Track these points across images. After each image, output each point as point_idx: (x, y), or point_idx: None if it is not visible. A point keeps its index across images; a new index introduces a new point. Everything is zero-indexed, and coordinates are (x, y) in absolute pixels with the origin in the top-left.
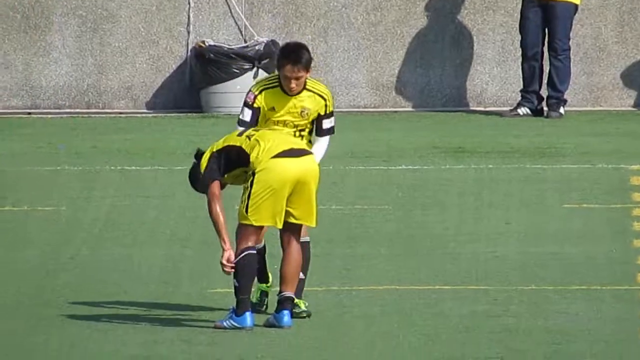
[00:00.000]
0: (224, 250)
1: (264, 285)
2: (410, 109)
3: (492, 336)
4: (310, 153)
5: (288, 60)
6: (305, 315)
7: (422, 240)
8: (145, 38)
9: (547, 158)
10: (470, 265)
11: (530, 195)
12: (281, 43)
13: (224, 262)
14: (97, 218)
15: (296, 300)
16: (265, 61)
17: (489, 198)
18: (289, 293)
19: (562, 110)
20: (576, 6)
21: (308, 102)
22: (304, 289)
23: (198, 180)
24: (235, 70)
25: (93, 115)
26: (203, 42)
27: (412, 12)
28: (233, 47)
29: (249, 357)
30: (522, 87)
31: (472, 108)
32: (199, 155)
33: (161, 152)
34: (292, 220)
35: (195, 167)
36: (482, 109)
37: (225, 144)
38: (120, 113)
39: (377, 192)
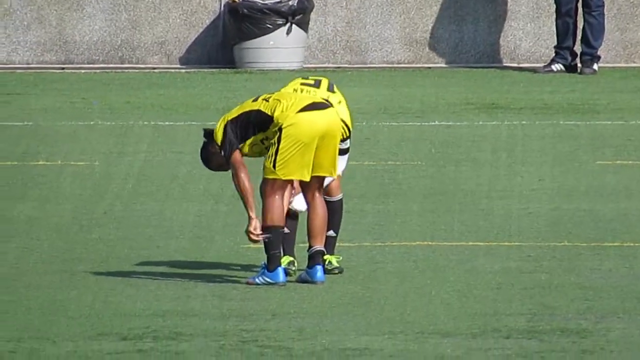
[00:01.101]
0: (250, 219)
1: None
2: (443, 65)
3: (525, 292)
4: (332, 105)
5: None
6: (337, 271)
7: (454, 196)
8: None
9: (580, 114)
10: (503, 221)
11: (563, 152)
12: None
13: (252, 230)
14: (130, 173)
15: (328, 257)
16: (298, 17)
17: (522, 154)
18: (319, 247)
19: (595, 66)
20: None
21: None
22: (336, 245)
23: (210, 160)
24: (269, 26)
25: (126, 71)
26: None
27: None
28: (267, 2)
29: (282, 312)
30: (555, 43)
31: (505, 64)
32: (208, 134)
33: (194, 108)
34: (319, 173)
35: (206, 146)
36: (515, 65)
37: (241, 112)
38: (154, 68)
39: (410, 148)
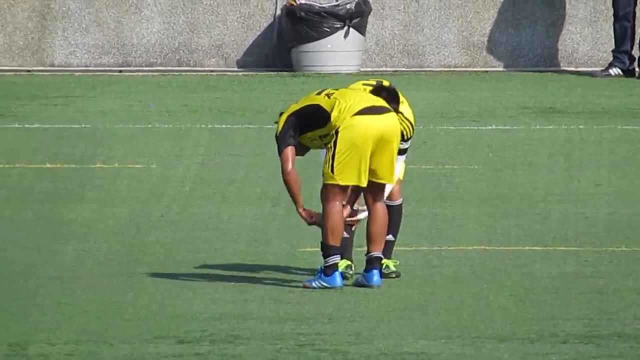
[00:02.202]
0: (300, 214)
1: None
2: (500, 68)
3: (582, 297)
4: (391, 110)
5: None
6: (394, 275)
7: (511, 200)
8: None
9: (638, 119)
10: (560, 226)
11: (620, 156)
12: (372, 2)
13: (305, 216)
14: (187, 176)
15: (385, 261)
16: (356, 20)
17: (579, 159)
18: (377, 253)
19: None
20: None
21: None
22: (394, 249)
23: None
24: (326, 29)
25: (184, 73)
26: (294, 0)
27: None
28: (324, 5)
29: (338, 316)
30: (613, 47)
31: (563, 68)
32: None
33: (252, 111)
34: (375, 179)
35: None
36: (573, 69)
37: (304, 104)
38: (211, 71)
39: (467, 151)
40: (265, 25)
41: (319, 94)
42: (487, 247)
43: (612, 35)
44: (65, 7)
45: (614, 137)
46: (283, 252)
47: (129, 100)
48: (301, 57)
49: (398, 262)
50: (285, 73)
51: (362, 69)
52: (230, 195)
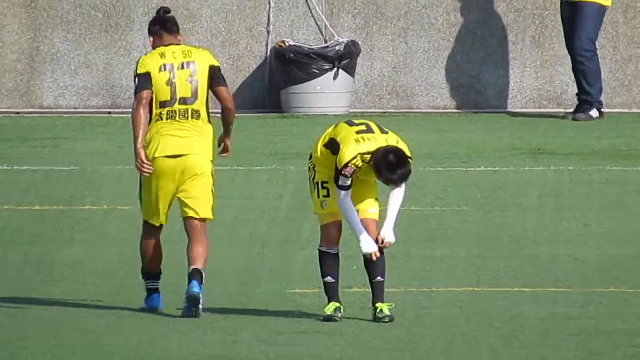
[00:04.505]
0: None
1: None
2: (490, 110)
3: (572, 339)
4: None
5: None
6: (388, 320)
7: (501, 242)
8: (226, 38)
9: (627, 160)
10: (550, 267)
11: (610, 198)
12: (362, 44)
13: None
14: (176, 217)
15: (380, 305)
16: (345, 62)
17: (569, 200)
18: (197, 266)
19: (593, 113)
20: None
21: None
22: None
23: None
24: (316, 71)
25: None
26: (283, 42)
27: (492, 12)
28: (313, 47)
29: (328, 358)
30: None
31: (552, 110)
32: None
33: (241, 152)
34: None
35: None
36: (562, 110)
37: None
38: None
39: (457, 193)
40: (255, 67)
41: (336, 127)
42: (477, 289)
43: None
44: (54, 49)
45: (603, 179)
46: (272, 293)
47: (118, 142)
48: (290, 99)
49: (393, 306)
50: (274, 114)
51: (351, 111)
52: (219, 237)
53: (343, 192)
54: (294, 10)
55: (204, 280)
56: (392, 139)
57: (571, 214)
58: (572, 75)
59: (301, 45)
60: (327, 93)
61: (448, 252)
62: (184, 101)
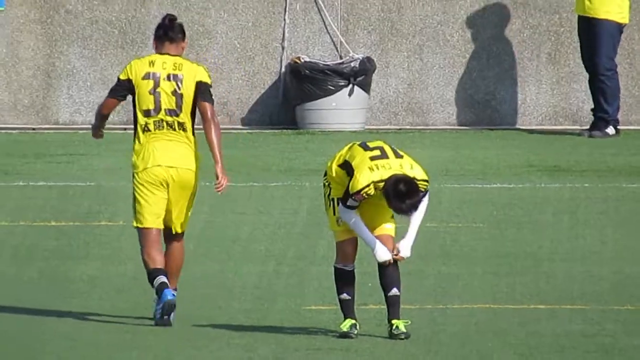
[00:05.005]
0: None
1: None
2: (505, 126)
3: (588, 356)
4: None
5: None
6: (404, 336)
7: (516, 258)
8: (241, 54)
9: None
10: (565, 284)
11: (625, 215)
12: (377, 60)
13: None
14: (192, 234)
15: (395, 321)
16: (360, 78)
17: (585, 217)
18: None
19: (609, 130)
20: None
21: None
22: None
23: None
24: (331, 87)
25: None
26: (298, 58)
27: (508, 29)
28: (328, 63)
29: None
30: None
31: (567, 126)
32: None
33: (256, 168)
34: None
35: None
36: (578, 127)
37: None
38: None
39: (472, 210)
40: (270, 83)
41: (351, 149)
42: (492, 306)
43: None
44: (70, 65)
45: (619, 196)
46: (287, 310)
47: None
48: (305, 115)
49: (409, 322)
50: (289, 131)
51: (366, 127)
52: (235, 253)
53: (350, 212)
54: (309, 26)
55: (175, 296)
56: (406, 164)
57: (587, 231)
58: (588, 92)
59: (316, 61)
60: (342, 109)
61: (463, 268)
62: (169, 112)
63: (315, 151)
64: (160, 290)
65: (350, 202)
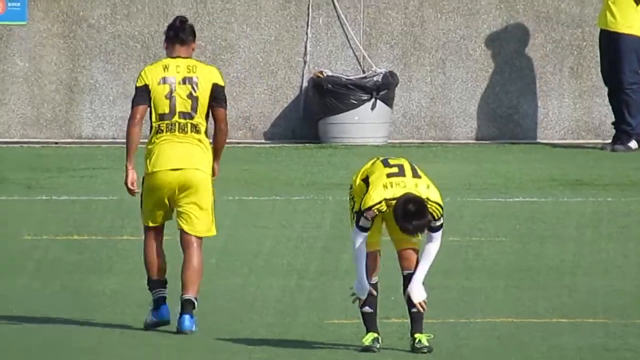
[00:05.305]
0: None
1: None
2: (528, 140)
3: None
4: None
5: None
6: (426, 350)
7: (539, 272)
8: (264, 68)
9: None
10: (588, 298)
11: None
12: (399, 74)
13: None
14: (214, 247)
15: (418, 335)
16: (383, 92)
17: (607, 231)
18: (189, 295)
19: (632, 144)
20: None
21: None
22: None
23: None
24: (354, 101)
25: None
26: (321, 72)
27: (531, 43)
28: (351, 77)
29: None
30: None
31: (590, 140)
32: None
33: (279, 182)
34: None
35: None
36: (600, 141)
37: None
38: (238, 143)
39: (495, 223)
40: (292, 97)
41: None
42: (515, 319)
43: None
44: (92, 79)
45: None
46: (310, 324)
47: None
48: (328, 129)
49: (432, 336)
50: (312, 145)
51: (389, 141)
52: (257, 267)
53: (360, 235)
54: (331, 40)
55: (196, 307)
56: (422, 184)
57: (609, 245)
58: (610, 106)
59: (339, 75)
60: (365, 123)
61: (486, 282)
62: (183, 115)
63: (337, 165)
64: (157, 302)
65: (362, 222)
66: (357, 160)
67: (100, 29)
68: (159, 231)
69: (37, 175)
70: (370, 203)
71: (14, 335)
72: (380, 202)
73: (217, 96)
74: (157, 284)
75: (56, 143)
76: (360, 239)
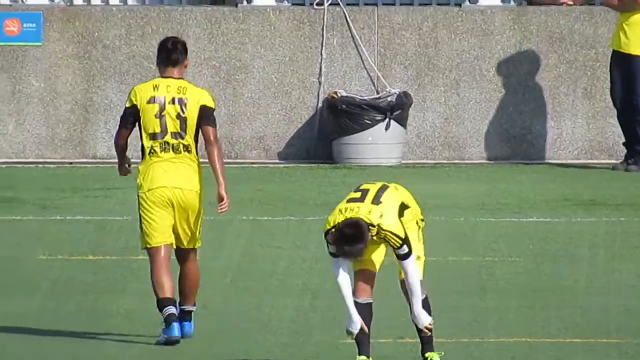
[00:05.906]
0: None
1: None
2: (541, 160)
3: None
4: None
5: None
6: None
7: (552, 292)
8: (278, 89)
9: None
10: (601, 318)
11: None
12: (413, 95)
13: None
14: (229, 267)
15: (429, 354)
16: (397, 112)
17: (620, 251)
18: (188, 306)
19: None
20: None
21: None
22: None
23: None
24: (367, 122)
25: (225, 165)
26: (335, 92)
27: (544, 64)
28: (365, 98)
29: None
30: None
31: (603, 160)
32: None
33: (293, 202)
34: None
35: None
36: (614, 161)
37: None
38: (252, 163)
39: (508, 243)
40: (307, 117)
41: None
42: (528, 339)
43: None
44: (107, 99)
45: None
46: (324, 344)
47: None
48: (342, 150)
49: (443, 354)
50: (326, 165)
51: (403, 162)
52: (272, 287)
53: (335, 264)
54: (345, 61)
55: (192, 316)
56: (376, 212)
57: (623, 265)
58: (620, 127)
59: (353, 96)
60: (378, 144)
61: (499, 302)
62: (174, 135)
63: (351, 185)
64: (168, 322)
65: (330, 249)
66: (371, 181)
67: (115, 49)
68: (166, 255)
69: (51, 195)
70: (326, 227)
71: (29, 355)
72: (333, 227)
73: (205, 116)
74: (166, 302)
75: (71, 163)
76: (337, 269)
